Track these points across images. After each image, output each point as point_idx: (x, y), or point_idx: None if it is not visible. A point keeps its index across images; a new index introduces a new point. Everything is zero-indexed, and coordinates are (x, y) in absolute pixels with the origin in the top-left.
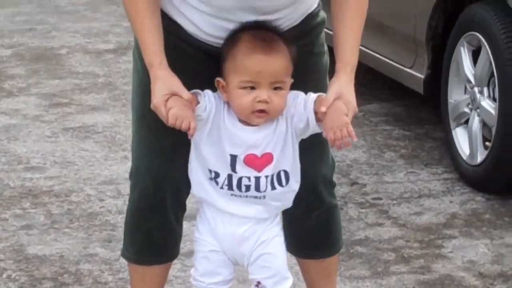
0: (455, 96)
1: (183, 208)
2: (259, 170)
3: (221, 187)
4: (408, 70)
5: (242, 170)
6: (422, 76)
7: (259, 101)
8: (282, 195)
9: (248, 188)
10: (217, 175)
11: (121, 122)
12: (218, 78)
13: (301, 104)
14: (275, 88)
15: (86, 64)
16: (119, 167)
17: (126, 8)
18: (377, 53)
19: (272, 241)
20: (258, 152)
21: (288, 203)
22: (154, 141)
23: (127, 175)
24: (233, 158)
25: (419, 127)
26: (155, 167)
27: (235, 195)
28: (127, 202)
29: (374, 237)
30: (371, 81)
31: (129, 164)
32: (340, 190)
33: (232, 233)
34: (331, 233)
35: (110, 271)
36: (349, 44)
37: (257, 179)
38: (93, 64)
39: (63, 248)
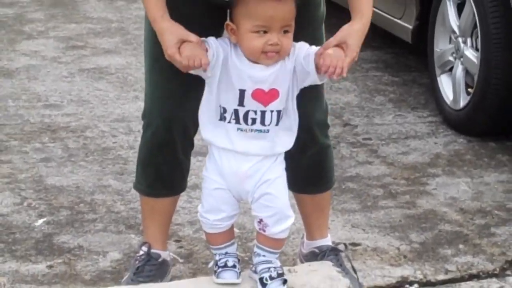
0: (441, 45)
1: (191, 145)
2: (265, 105)
3: (229, 121)
4: (398, 20)
5: (249, 104)
6: (411, 27)
7: (271, 44)
8: (284, 131)
9: (254, 121)
10: (225, 110)
11: (132, 65)
12: (228, 22)
13: (305, 50)
14: (284, 32)
15: (100, 10)
16: (130, 105)
17: None
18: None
19: (274, 181)
20: (265, 87)
21: (289, 144)
22: (165, 84)
23: (138, 114)
24: (242, 92)
25: (406, 74)
26: (166, 108)
27: (242, 129)
28: (137, 138)
29: (364, 174)
30: None
31: (139, 103)
32: (333, 131)
33: (236, 170)
34: (324, 171)
35: (122, 201)
36: None
37: (263, 113)
38: (106, 10)
39: (79, 179)
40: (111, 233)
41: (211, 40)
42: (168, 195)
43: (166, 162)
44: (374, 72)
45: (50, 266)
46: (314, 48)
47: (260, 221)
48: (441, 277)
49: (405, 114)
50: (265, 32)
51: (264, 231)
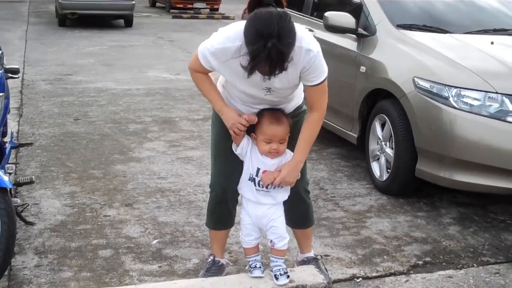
0: (372, 145)
1: (237, 201)
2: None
3: (252, 184)
4: (349, 132)
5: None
6: (356, 135)
7: (273, 149)
8: (280, 190)
9: (262, 186)
10: (251, 178)
11: (205, 156)
12: (252, 134)
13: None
14: (281, 142)
15: (188, 125)
16: (204, 178)
17: (198, 85)
18: (333, 123)
19: (277, 219)
20: (271, 169)
21: (285, 197)
22: (222, 169)
23: (208, 182)
24: (258, 170)
25: (354, 161)
26: (223, 182)
27: (258, 190)
28: (208, 195)
29: (332, 216)
30: (330, 137)
31: (209, 177)
32: (314, 192)
33: (256, 214)
34: (308, 216)
35: (199, 231)
36: (300, 148)
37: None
38: (192, 126)
39: (176, 218)
40: (193, 248)
41: (246, 138)
42: (224, 229)
43: (223, 212)
44: (336, 160)
45: (160, 266)
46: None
47: (271, 241)
48: (374, 274)
49: (354, 183)
50: (269, 142)
51: (274, 246)
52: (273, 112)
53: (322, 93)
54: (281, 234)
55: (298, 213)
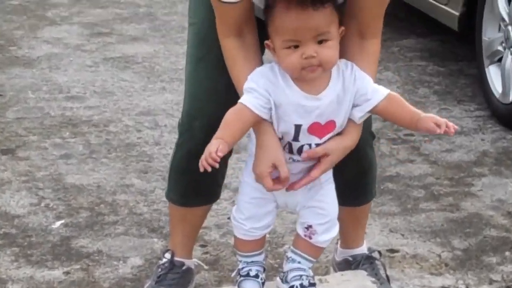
0: (489, 34)
1: (231, 150)
2: (321, 137)
3: (283, 148)
4: (443, 6)
5: (304, 138)
6: (457, 13)
7: (306, 58)
8: None
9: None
10: (281, 138)
11: (160, 53)
12: (266, 41)
13: (365, 93)
14: (321, 42)
15: None
16: (157, 98)
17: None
18: None
19: (326, 190)
20: (322, 120)
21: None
22: (210, 84)
23: (164, 106)
24: (298, 127)
25: (453, 64)
26: (209, 108)
27: (294, 160)
28: (164, 134)
29: (405, 174)
30: (408, 16)
31: (166, 95)
32: (373, 125)
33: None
34: (366, 183)
35: (146, 202)
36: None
37: (317, 145)
38: None
39: (100, 178)
40: (132, 236)
41: (261, 92)
42: (203, 204)
43: (203, 174)
44: (418, 62)
45: (67, 273)
46: (372, 94)
47: (308, 227)
48: (485, 286)
49: (451, 108)
50: (296, 46)
51: (311, 238)
52: None
53: (385, 2)
54: (331, 218)
55: (349, 177)
